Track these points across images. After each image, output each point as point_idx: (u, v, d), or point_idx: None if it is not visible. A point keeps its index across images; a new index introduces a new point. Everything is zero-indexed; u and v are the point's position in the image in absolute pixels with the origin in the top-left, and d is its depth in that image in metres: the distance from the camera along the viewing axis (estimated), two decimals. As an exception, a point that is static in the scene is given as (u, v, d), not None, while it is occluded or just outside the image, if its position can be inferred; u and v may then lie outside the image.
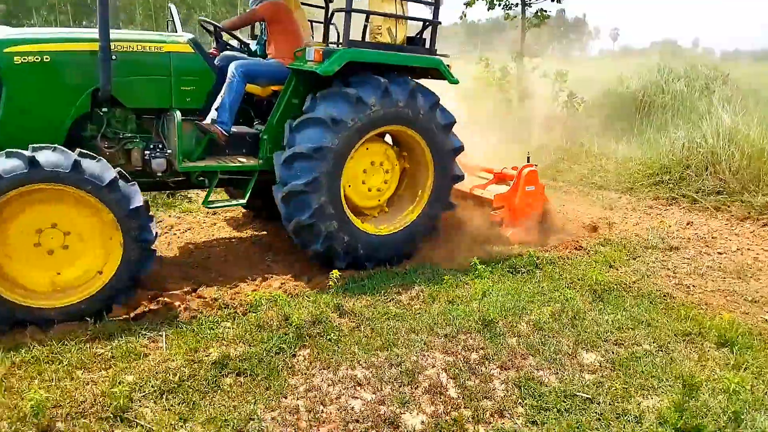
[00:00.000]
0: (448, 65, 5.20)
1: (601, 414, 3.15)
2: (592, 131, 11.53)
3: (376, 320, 4.09)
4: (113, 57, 4.28)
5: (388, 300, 4.46)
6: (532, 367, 3.57)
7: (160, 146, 4.69)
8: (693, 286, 5.20)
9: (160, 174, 4.68)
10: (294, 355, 3.63)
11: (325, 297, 4.34)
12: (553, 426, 3.02)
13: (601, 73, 15.57)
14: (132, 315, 4.02)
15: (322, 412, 3.08)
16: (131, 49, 4.47)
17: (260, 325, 3.90)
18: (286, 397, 3.21)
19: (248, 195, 4.93)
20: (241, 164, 4.88)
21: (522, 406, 3.19)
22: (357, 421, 3.01)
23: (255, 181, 4.95)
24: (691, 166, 8.40)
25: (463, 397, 3.24)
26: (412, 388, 3.32)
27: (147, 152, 4.62)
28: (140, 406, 3.06)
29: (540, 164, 9.59)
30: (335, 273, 4.37)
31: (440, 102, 5.19)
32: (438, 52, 5.29)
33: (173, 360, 3.47)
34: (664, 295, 4.86)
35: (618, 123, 11.97)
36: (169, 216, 6.63)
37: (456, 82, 5.27)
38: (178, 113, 4.56)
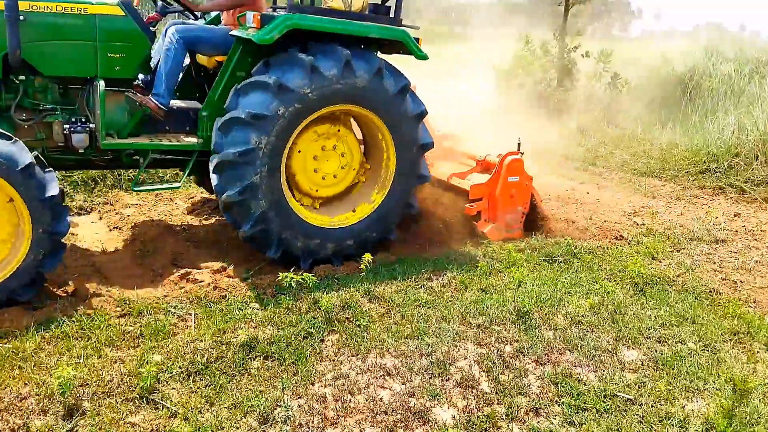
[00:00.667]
0: (416, 38, 4.57)
1: (643, 417, 2.99)
2: (635, 114, 11.09)
3: (407, 307, 3.98)
4: (21, 17, 3.81)
5: (419, 286, 4.34)
6: (569, 363, 3.42)
7: (83, 120, 4.20)
8: (741, 281, 4.93)
9: (82, 151, 4.22)
10: (322, 340, 3.55)
11: (355, 281, 4.24)
12: (591, 427, 2.87)
13: (645, 55, 14.95)
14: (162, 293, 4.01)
15: (350, 401, 2.99)
16: (48, 10, 3.95)
17: (289, 307, 3.83)
18: (313, 384, 3.13)
19: (184, 178, 4.60)
20: (177, 143, 4.41)
21: (558, 405, 3.05)
22: (385, 412, 2.92)
23: (194, 163, 4.50)
24: (741, 154, 7.99)
25: (496, 392, 3.12)
26: (442, 380, 3.21)
27: (67, 126, 4.14)
28: (167, 387, 3.02)
29: (580, 148, 9.31)
30: (367, 257, 4.25)
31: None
32: (405, 23, 4.65)
33: (201, 340, 3.43)
34: (710, 291, 4.62)
35: (663, 107, 11.49)
36: (202, 192, 6.61)
37: (425, 57, 4.59)
38: (102, 83, 4.11)
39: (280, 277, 3.91)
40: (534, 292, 4.23)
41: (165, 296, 4.02)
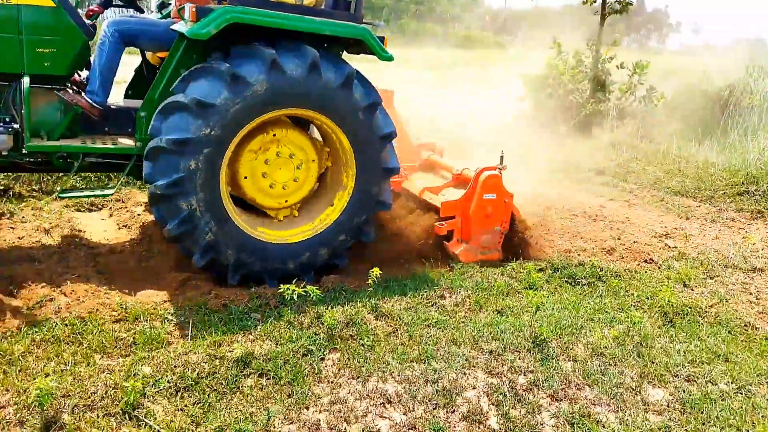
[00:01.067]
0: (381, 38, 4.19)
1: (667, 468, 2.70)
2: (670, 130, 10.66)
3: (415, 326, 3.74)
4: None
5: (430, 304, 4.10)
6: (588, 401, 3.14)
7: (7, 120, 3.86)
8: (780, 316, 4.56)
9: (5, 153, 3.87)
10: (322, 359, 3.33)
11: (362, 295, 4.02)
12: (608, 478, 2.60)
13: (682, 68, 14.45)
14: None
15: (345, 431, 2.77)
16: None
17: (290, 321, 3.63)
18: (308, 408, 2.92)
19: (119, 184, 4.25)
20: (112, 146, 4.06)
21: (573, 449, 2.78)
22: (382, 446, 2.69)
23: (132, 168, 4.15)
24: (783, 176, 7.55)
25: (505, 430, 2.86)
26: (447, 412, 2.96)
27: None
28: (153, 402, 2.84)
29: (611, 162, 8.94)
30: (375, 271, 4.03)
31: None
32: (367, 21, 4.34)
33: (195, 352, 3.25)
34: (745, 325, 4.27)
35: (700, 123, 11.03)
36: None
37: (389, 58, 4.21)
38: (26, 79, 3.80)
39: (281, 289, 3.72)
40: (553, 318, 3.95)
41: (164, 302, 3.86)
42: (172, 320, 3.62)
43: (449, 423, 2.89)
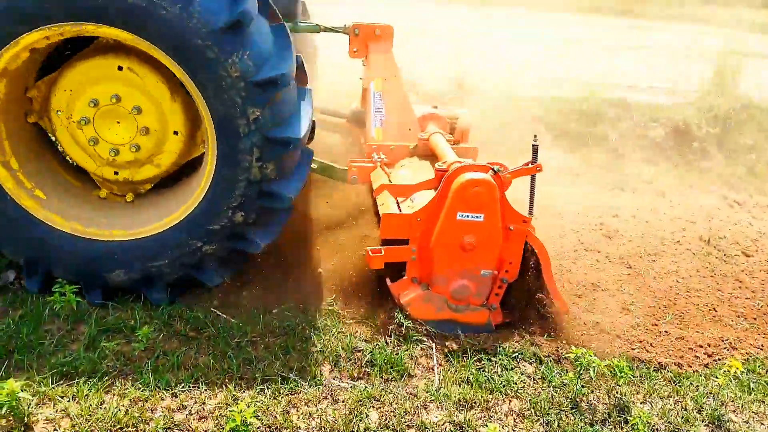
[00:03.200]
0: None
1: None
2: None
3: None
4: None
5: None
6: None
7: None
8: None
9: None
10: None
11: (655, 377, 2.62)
12: None
13: None
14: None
15: None
16: None
17: (574, 397, 2.50)
18: None
19: None
20: None
21: None
22: None
23: None
24: None
25: None
26: None
27: None
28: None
29: None
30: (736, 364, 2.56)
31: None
32: None
33: (438, 404, 2.46)
34: None
35: None
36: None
37: None
38: None
39: (573, 352, 2.57)
40: None
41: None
42: (421, 341, 2.80)
43: None
